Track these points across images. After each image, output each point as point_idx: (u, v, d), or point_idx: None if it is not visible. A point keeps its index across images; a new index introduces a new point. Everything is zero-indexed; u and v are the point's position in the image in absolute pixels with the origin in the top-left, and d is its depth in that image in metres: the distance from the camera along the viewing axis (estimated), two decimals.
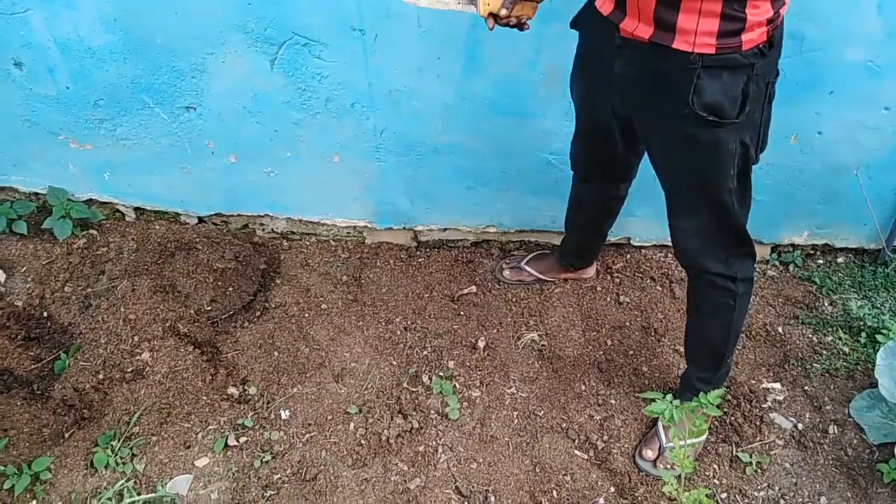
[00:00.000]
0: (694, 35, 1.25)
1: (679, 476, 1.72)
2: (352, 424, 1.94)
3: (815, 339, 2.21)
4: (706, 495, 1.53)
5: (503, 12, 1.33)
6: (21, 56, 2.00)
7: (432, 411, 1.98)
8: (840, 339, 2.19)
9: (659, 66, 1.32)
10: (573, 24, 1.56)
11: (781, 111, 1.99)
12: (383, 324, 2.22)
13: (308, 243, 2.48)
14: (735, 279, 1.63)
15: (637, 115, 1.50)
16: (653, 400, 1.69)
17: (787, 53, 1.87)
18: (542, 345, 2.18)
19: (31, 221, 2.30)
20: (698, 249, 1.60)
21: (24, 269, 2.17)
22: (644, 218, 2.33)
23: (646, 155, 1.67)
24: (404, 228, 2.44)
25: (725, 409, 2.00)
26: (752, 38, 1.26)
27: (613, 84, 1.46)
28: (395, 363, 2.11)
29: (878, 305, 2.26)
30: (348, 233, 2.48)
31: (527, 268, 2.34)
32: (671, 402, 1.65)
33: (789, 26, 1.80)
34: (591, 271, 2.37)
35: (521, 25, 1.39)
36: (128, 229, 2.36)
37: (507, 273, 2.35)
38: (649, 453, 1.89)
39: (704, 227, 1.55)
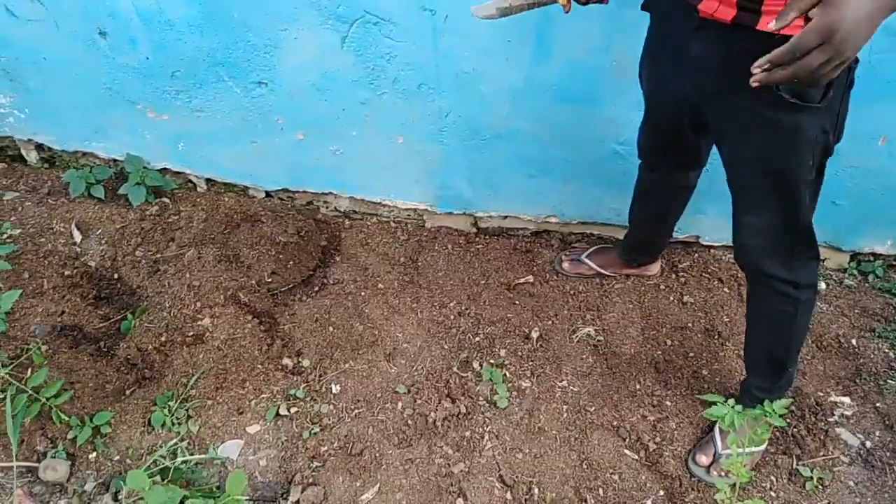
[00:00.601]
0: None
1: (734, 485, 1.65)
2: (400, 404, 1.94)
3: (891, 354, 2.09)
4: None
5: None
6: (106, 26, 2.08)
7: (481, 398, 1.97)
8: None
9: (740, 48, 1.22)
10: (644, 6, 1.51)
11: (870, 110, 1.89)
12: (437, 307, 2.22)
13: (369, 223, 2.50)
14: (797, 285, 1.55)
15: (713, 100, 1.42)
16: (713, 403, 1.63)
17: (881, 48, 1.77)
18: (598, 340, 2.13)
19: (108, 186, 2.40)
20: (761, 249, 1.52)
21: (99, 231, 2.26)
22: (715, 217, 2.24)
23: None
24: (464, 214, 2.42)
25: (789, 420, 1.91)
26: None
27: (688, 68, 1.40)
28: (446, 347, 2.10)
29: None
30: (408, 215, 2.49)
31: (587, 261, 2.29)
32: (733, 406, 1.58)
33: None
34: (654, 269, 2.29)
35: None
36: (198, 199, 2.43)
37: (566, 265, 2.31)
38: (703, 459, 1.82)
39: (772, 225, 1.47)
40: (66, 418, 1.75)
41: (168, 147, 2.40)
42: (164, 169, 2.47)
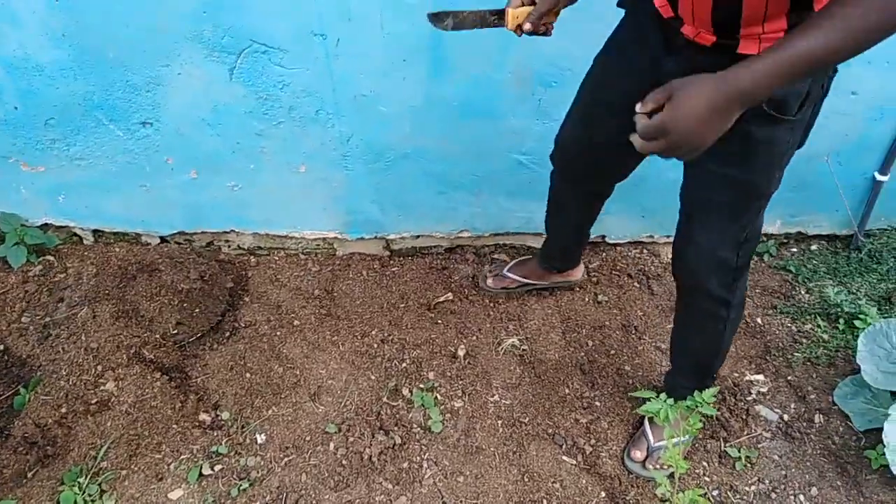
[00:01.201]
0: (759, 41, 1.16)
1: (671, 476, 1.68)
2: (332, 444, 1.86)
3: (794, 327, 2.21)
4: (699, 495, 1.49)
5: (527, 26, 1.37)
6: None
7: (415, 425, 1.92)
8: (819, 326, 2.19)
9: (720, 65, 1.08)
10: (620, 3, 1.44)
11: None
12: (359, 337, 2.16)
13: (276, 258, 2.40)
14: (730, 304, 1.59)
15: None
16: (644, 400, 1.65)
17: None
18: (523, 349, 2.14)
19: None
20: (709, 269, 1.52)
21: None
22: (618, 215, 2.30)
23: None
24: (376, 237, 2.38)
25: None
26: None
27: (656, 79, 1.22)
28: (373, 377, 2.04)
29: (854, 291, 2.26)
30: (318, 245, 2.41)
31: (510, 274, 2.28)
32: (665, 401, 1.61)
33: None
34: (578, 273, 2.28)
35: (546, 32, 1.42)
36: (86, 253, 2.26)
37: (490, 282, 2.29)
38: (638, 454, 1.85)
39: (725, 244, 1.47)
40: None
41: (47, 201, 2.21)
42: (46, 224, 2.28)
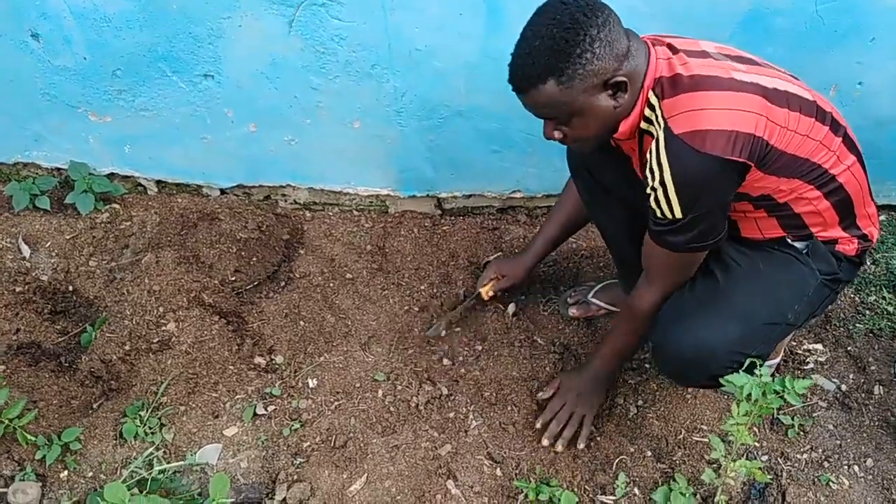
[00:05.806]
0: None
1: (730, 443, 1.63)
2: (380, 392, 1.90)
3: (857, 298, 2.13)
4: (757, 468, 1.44)
5: (490, 293, 2.00)
6: (38, 27, 1.98)
7: (461, 378, 1.94)
8: (884, 298, 2.11)
9: None
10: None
11: (819, 61, 1.91)
12: (409, 292, 2.18)
13: (331, 213, 2.44)
14: None
15: None
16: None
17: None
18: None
19: (53, 197, 2.28)
20: None
21: (49, 244, 2.16)
22: None
23: None
24: (428, 196, 2.39)
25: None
26: None
27: None
28: (422, 331, 2.07)
29: None
30: (371, 202, 2.44)
31: (596, 301, 2.09)
32: (751, 379, 1.47)
33: None
34: None
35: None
36: (150, 203, 2.34)
37: (574, 310, 2.09)
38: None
39: None
40: (33, 438, 1.67)
41: (114, 150, 2.30)
42: (112, 174, 2.37)
